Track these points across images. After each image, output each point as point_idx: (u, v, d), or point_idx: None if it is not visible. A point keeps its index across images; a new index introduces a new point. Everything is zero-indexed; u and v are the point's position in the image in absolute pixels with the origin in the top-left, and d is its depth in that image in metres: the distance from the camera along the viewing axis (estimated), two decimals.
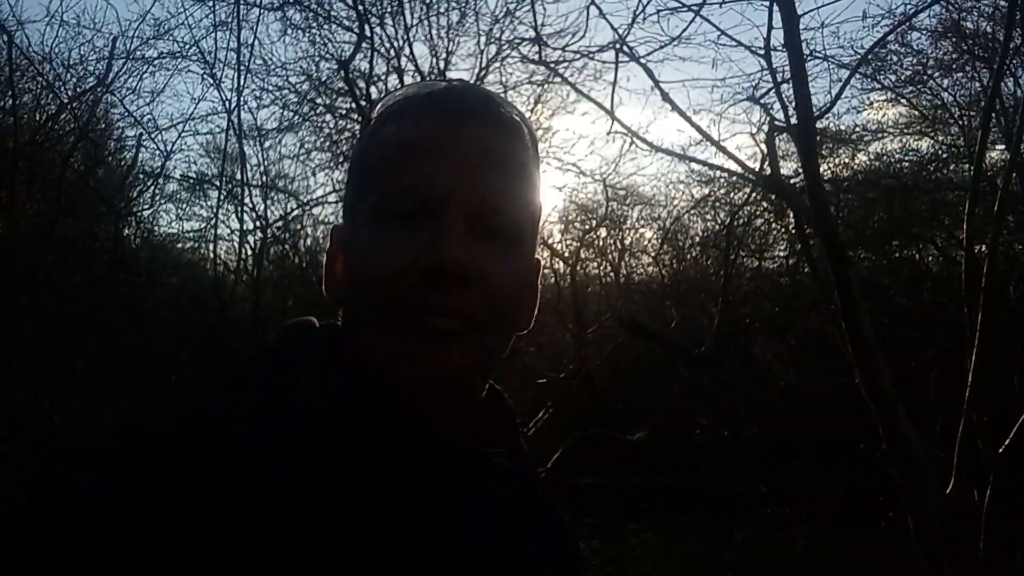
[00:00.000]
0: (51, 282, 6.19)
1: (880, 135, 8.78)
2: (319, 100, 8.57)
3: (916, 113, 8.34)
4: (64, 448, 0.57)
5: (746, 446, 8.42)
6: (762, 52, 3.65)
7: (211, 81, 7.28)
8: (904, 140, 8.93)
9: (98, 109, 7.54)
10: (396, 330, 0.63)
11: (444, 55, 8.44)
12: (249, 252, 8.86)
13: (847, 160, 8.93)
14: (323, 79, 8.28)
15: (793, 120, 3.59)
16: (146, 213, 10.06)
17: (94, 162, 7.90)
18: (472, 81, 8.08)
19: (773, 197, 6.45)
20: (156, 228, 10.77)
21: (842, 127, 8.81)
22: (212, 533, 0.52)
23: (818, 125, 7.44)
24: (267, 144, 9.32)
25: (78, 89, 7.04)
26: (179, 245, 11.41)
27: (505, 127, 0.69)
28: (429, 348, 0.62)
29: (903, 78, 7.64)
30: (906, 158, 8.93)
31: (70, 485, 0.51)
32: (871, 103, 8.43)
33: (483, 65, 8.23)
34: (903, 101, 7.84)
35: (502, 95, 0.75)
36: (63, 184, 6.99)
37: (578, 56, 5.90)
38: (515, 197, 0.68)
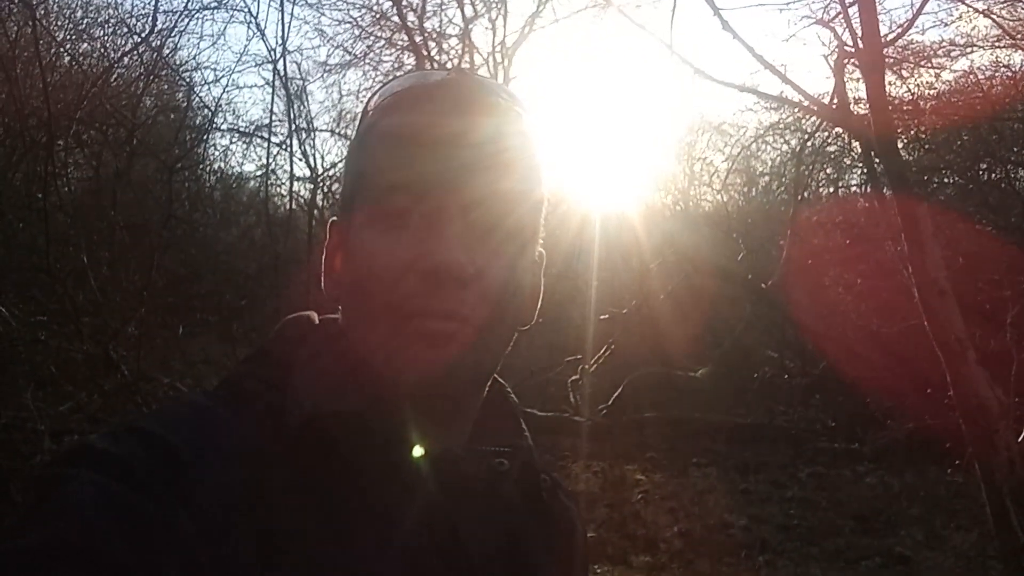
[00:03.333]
0: (115, 236, 6.41)
1: (969, 49, 8.12)
2: (379, 34, 8.57)
3: (1009, 25, 7.64)
4: (66, 449, 0.58)
5: (813, 381, 8.26)
6: None
7: (256, 31, 7.31)
8: (995, 54, 8.24)
9: (163, 56, 7.68)
10: (394, 333, 0.62)
11: None
12: (301, 201, 9.00)
13: (931, 80, 8.32)
14: (383, 12, 8.26)
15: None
16: (215, 151, 10.31)
17: (159, 111, 8.11)
18: (533, 14, 7.85)
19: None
20: (226, 167, 11.03)
21: (927, 43, 8.17)
22: (210, 535, 0.53)
23: (901, 41, 6.94)
24: (330, 81, 9.39)
25: (126, 45, 7.20)
26: (250, 184, 11.68)
27: (504, 118, 0.66)
28: (427, 352, 0.62)
29: None
30: (997, 74, 8.25)
31: (71, 486, 0.52)
32: (959, 15, 7.77)
33: None
34: (993, 18, 7.17)
35: (502, 84, 0.72)
36: (134, 132, 7.19)
37: None
38: (514, 191, 0.65)
